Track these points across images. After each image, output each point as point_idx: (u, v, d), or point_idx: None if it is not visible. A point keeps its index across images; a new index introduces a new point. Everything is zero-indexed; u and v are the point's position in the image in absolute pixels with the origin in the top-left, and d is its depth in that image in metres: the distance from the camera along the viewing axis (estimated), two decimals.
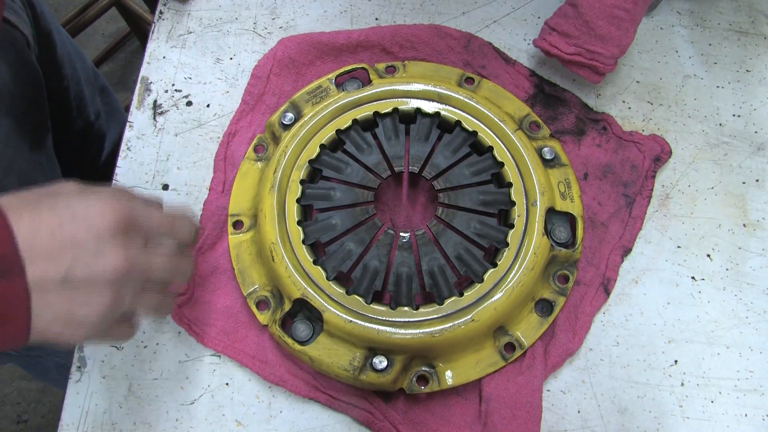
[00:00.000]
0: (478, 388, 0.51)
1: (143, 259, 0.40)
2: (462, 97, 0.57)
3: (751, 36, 0.66)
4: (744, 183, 0.59)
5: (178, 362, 0.52)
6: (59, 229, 0.36)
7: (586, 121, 0.60)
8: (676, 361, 0.52)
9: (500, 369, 0.51)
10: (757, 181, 0.59)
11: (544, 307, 0.52)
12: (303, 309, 0.51)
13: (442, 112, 0.57)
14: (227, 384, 0.52)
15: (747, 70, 0.64)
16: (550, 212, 0.53)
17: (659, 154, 0.58)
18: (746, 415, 0.50)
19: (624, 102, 0.62)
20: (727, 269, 0.55)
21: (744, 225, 0.57)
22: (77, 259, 0.36)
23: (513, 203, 0.53)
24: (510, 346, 0.51)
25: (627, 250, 0.55)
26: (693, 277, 0.55)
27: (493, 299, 0.50)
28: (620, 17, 0.58)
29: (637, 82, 0.63)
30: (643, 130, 0.60)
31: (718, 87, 0.63)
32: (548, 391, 0.51)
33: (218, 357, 0.52)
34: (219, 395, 0.51)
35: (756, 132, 0.61)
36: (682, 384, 0.51)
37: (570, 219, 0.54)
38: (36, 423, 1.32)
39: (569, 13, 0.59)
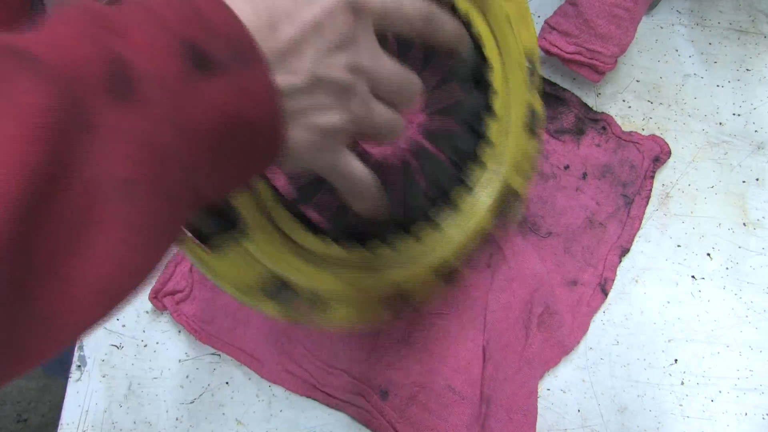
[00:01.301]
0: (476, 388, 0.51)
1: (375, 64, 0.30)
2: None
3: (751, 35, 0.66)
4: (744, 182, 0.59)
5: (178, 361, 0.52)
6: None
7: (585, 120, 0.60)
8: (676, 360, 0.52)
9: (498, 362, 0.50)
10: (758, 180, 0.59)
11: None
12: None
13: None
14: (227, 383, 0.52)
15: (747, 69, 0.64)
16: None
17: (658, 154, 0.58)
18: (746, 414, 0.50)
19: (624, 101, 0.62)
20: (727, 268, 0.55)
21: (744, 224, 0.57)
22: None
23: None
24: None
25: (625, 250, 0.55)
26: (693, 276, 0.55)
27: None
28: (620, 16, 0.58)
29: (637, 81, 0.63)
30: (643, 129, 0.60)
31: (718, 86, 0.63)
32: (548, 390, 0.51)
33: (218, 356, 0.52)
34: (219, 394, 0.51)
35: (756, 131, 0.61)
36: (682, 383, 0.51)
37: None
38: (36, 422, 1.32)
39: (569, 12, 0.59)
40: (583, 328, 0.53)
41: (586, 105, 0.61)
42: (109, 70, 0.19)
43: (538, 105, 0.49)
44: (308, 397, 0.51)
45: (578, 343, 0.52)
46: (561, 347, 0.52)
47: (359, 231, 0.42)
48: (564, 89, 0.62)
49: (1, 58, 0.17)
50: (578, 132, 0.60)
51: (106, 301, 0.19)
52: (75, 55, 0.19)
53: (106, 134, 0.19)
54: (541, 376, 0.51)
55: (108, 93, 0.19)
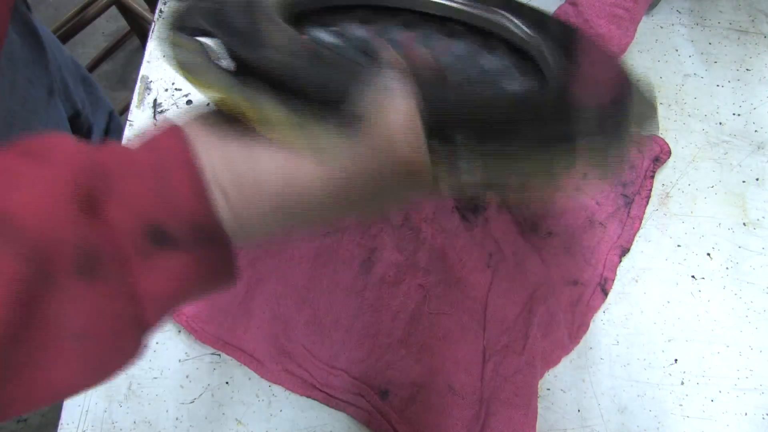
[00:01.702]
0: (475, 387, 0.51)
1: None
2: None
3: (751, 35, 0.66)
4: (744, 182, 0.59)
5: (178, 361, 0.52)
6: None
7: None
8: (676, 360, 0.52)
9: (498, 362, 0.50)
10: (757, 179, 0.59)
11: None
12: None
13: None
14: (227, 383, 0.52)
15: (747, 69, 0.64)
16: None
17: (658, 154, 0.58)
18: (746, 413, 0.50)
19: None
20: (727, 268, 0.55)
21: (744, 224, 0.57)
22: None
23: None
24: None
25: (625, 250, 0.55)
26: (693, 276, 0.55)
27: None
28: (620, 16, 0.58)
29: (637, 80, 0.63)
30: None
31: (718, 86, 0.63)
32: (548, 389, 0.51)
33: (218, 356, 0.52)
34: (219, 394, 0.51)
35: (756, 131, 0.61)
36: (682, 383, 0.51)
37: None
38: (36, 422, 1.32)
39: (570, 11, 0.59)
40: (584, 328, 0.53)
41: None
42: (76, 254, 0.23)
43: None
44: (308, 396, 0.51)
45: (579, 342, 0.52)
46: (562, 347, 0.52)
47: None
48: None
49: None
50: None
51: (61, 397, 0.26)
52: (51, 235, 0.23)
53: (64, 300, 0.23)
54: (542, 376, 0.51)
55: (73, 272, 0.23)
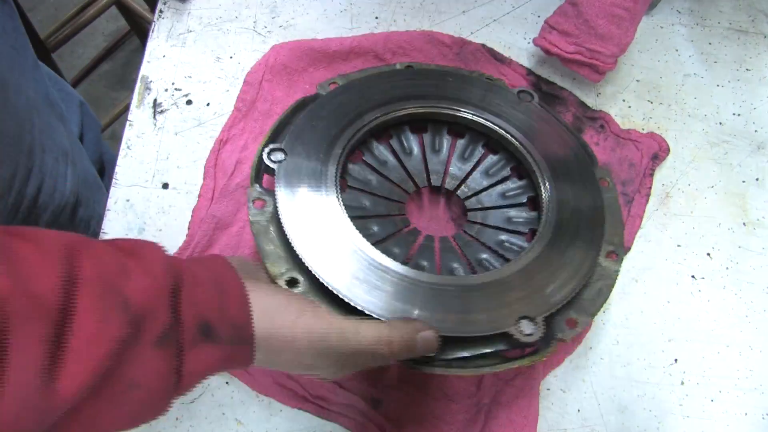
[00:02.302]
0: (470, 393, 0.50)
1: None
2: None
3: (751, 35, 0.66)
4: (744, 182, 0.59)
5: None
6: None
7: (583, 119, 0.60)
8: (676, 360, 0.52)
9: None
10: (757, 179, 0.59)
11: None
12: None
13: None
14: (227, 383, 0.52)
15: (747, 69, 0.64)
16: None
17: (657, 151, 0.58)
18: (746, 413, 0.50)
19: (624, 101, 0.62)
20: (727, 268, 0.55)
21: (744, 224, 0.57)
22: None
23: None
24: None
25: (626, 249, 0.55)
26: (693, 276, 0.55)
27: None
28: (620, 16, 0.58)
29: (637, 80, 0.63)
30: (643, 129, 0.60)
31: (718, 86, 0.63)
32: (548, 389, 0.51)
33: None
34: (219, 394, 0.51)
35: (756, 131, 0.61)
36: (682, 383, 0.51)
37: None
38: None
39: (569, 11, 0.59)
40: (587, 328, 0.52)
41: (584, 104, 0.61)
42: (158, 332, 0.32)
43: None
44: (300, 408, 0.50)
45: (580, 343, 0.52)
46: (564, 347, 0.52)
47: None
48: (562, 88, 0.62)
49: (109, 307, 0.31)
50: (577, 130, 0.60)
51: None
52: (150, 313, 0.32)
53: (137, 360, 0.32)
54: (544, 377, 0.51)
55: (152, 343, 0.32)
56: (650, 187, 0.57)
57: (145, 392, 0.32)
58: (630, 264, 0.55)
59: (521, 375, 0.50)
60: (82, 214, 0.74)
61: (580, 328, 0.47)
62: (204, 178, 0.58)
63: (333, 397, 0.50)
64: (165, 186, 0.59)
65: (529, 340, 0.44)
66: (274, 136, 0.54)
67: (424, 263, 0.52)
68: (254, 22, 0.66)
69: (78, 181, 0.73)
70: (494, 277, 0.47)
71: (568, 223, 0.50)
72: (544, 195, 0.52)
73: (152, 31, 0.66)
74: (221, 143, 0.59)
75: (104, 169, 0.91)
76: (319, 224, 0.48)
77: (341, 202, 0.49)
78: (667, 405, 0.51)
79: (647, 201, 0.57)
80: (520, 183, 0.55)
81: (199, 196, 0.57)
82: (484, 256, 0.52)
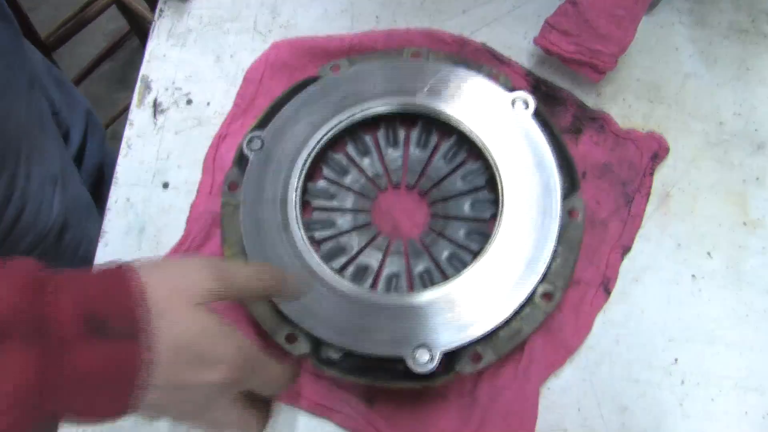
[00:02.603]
0: (467, 392, 0.50)
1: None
2: None
3: (751, 35, 0.66)
4: (744, 181, 0.59)
5: None
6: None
7: (583, 119, 0.60)
8: (676, 360, 0.52)
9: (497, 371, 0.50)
10: (758, 179, 0.59)
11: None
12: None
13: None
14: None
15: (747, 69, 0.64)
16: None
17: (657, 151, 0.58)
18: (746, 413, 0.50)
19: (624, 100, 0.62)
20: (727, 267, 0.55)
21: (744, 223, 0.57)
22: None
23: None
24: None
25: (627, 249, 0.55)
26: (693, 276, 0.55)
27: None
28: (620, 16, 0.58)
29: (638, 80, 0.63)
30: (643, 129, 0.60)
31: (718, 85, 0.63)
32: (548, 389, 0.51)
33: None
34: None
35: (756, 130, 0.61)
36: (683, 382, 0.51)
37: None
38: None
39: (569, 11, 0.59)
40: (587, 328, 0.52)
41: (583, 103, 0.61)
42: (30, 325, 0.32)
43: None
44: (293, 405, 0.50)
45: (582, 342, 0.52)
46: (565, 348, 0.52)
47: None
48: (561, 88, 0.62)
49: None
50: (576, 131, 0.60)
51: None
52: (10, 312, 0.32)
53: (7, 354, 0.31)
54: (546, 378, 0.51)
55: (23, 337, 0.32)
56: (650, 187, 0.57)
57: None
58: (630, 264, 0.55)
59: (518, 378, 0.50)
60: (69, 238, 0.74)
61: (483, 365, 0.47)
62: (203, 173, 0.58)
63: (327, 394, 0.50)
64: (165, 185, 0.59)
65: (422, 371, 0.45)
66: (266, 121, 0.57)
67: (397, 271, 0.54)
68: (254, 21, 0.66)
69: (67, 205, 0.72)
70: (413, 300, 0.49)
71: (515, 246, 0.51)
72: (498, 179, 0.54)
73: (152, 31, 0.66)
74: (220, 139, 0.59)
75: (104, 176, 0.90)
76: (270, 226, 0.52)
77: (297, 209, 0.52)
78: (667, 405, 0.51)
79: (647, 201, 0.57)
80: (478, 164, 0.57)
81: (197, 191, 0.57)
82: (450, 253, 0.54)
